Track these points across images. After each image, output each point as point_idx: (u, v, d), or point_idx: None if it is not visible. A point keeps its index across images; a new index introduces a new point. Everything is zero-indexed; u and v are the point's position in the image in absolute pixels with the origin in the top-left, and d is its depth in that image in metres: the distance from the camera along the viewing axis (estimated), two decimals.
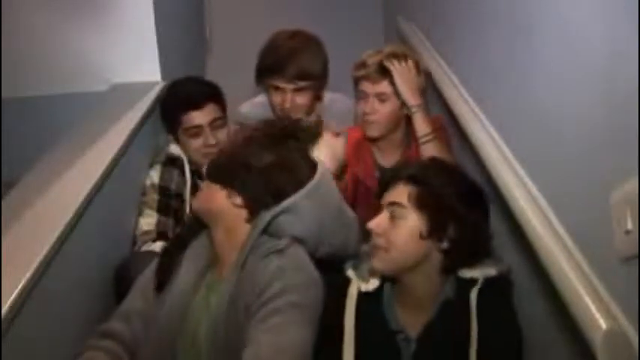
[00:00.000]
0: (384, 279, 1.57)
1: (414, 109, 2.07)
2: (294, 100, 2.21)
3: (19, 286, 1.26)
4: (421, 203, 1.50)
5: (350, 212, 1.66)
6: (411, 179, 1.53)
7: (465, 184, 1.58)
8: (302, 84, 2.20)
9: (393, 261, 1.51)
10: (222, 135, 2.13)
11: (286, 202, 1.49)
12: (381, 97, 2.08)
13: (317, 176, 1.55)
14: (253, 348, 1.32)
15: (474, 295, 1.47)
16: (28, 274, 1.30)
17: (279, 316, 1.36)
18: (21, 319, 1.27)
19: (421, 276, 1.52)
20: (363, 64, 2.10)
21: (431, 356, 1.49)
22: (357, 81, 2.13)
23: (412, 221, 1.50)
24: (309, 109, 2.28)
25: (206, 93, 2.14)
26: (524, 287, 1.56)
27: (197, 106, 2.10)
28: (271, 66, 2.20)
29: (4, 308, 1.21)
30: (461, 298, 1.49)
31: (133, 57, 2.34)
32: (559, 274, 1.27)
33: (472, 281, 1.50)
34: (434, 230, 1.49)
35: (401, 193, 1.52)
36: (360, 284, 1.57)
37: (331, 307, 1.53)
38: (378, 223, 1.52)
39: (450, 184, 1.53)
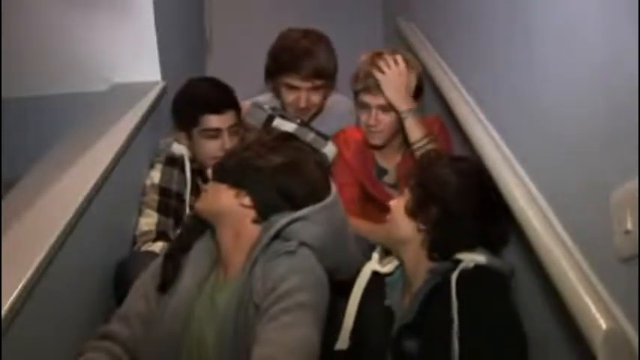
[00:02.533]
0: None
1: (404, 115, 2.04)
2: (309, 98, 2.22)
3: (19, 286, 1.26)
4: (412, 181, 1.64)
5: (352, 239, 1.69)
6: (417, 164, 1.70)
7: (465, 179, 1.60)
8: (318, 82, 2.21)
9: (387, 231, 1.67)
10: (235, 141, 2.09)
11: (306, 211, 1.51)
12: (384, 108, 2.05)
13: (333, 191, 1.60)
14: (262, 347, 1.32)
15: (453, 278, 1.47)
16: (28, 274, 1.30)
17: (287, 315, 1.37)
18: (21, 319, 1.27)
19: (409, 254, 1.61)
20: (359, 77, 2.08)
21: (412, 334, 1.51)
22: (356, 93, 2.11)
23: (405, 197, 1.64)
24: (320, 108, 2.28)
25: (229, 98, 2.12)
26: (524, 287, 1.56)
27: (218, 110, 2.07)
28: (287, 64, 2.19)
29: (4, 308, 1.20)
30: (446, 281, 1.49)
31: (132, 57, 2.34)
32: (559, 274, 1.27)
33: (459, 263, 1.51)
34: (415, 208, 1.60)
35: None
36: (375, 265, 1.69)
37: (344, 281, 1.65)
38: (394, 199, 1.71)
39: (446, 171, 1.61)
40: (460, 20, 2.12)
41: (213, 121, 2.07)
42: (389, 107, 2.05)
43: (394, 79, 2.04)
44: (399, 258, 1.66)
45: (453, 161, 1.68)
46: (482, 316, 1.43)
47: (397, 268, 1.68)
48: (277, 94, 2.30)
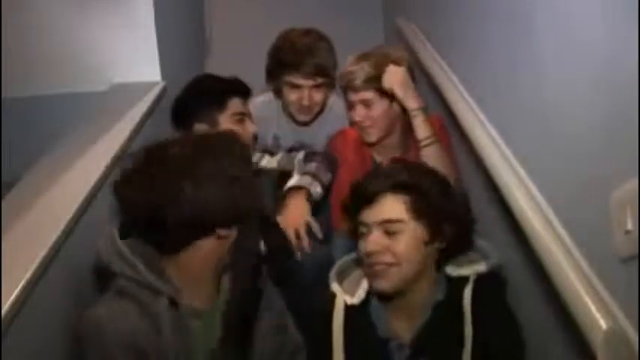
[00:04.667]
0: (379, 295, 1.53)
1: (414, 113, 2.06)
2: (311, 96, 2.21)
3: (19, 286, 1.26)
4: (419, 212, 1.46)
5: None
6: (400, 188, 1.48)
7: (442, 179, 1.57)
8: (320, 80, 2.21)
9: (403, 276, 1.47)
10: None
11: None
12: (366, 103, 2.08)
13: None
14: None
15: (467, 294, 1.46)
16: (28, 274, 1.30)
17: None
18: (21, 319, 1.27)
19: (424, 281, 1.51)
20: (344, 74, 2.10)
21: (420, 354, 1.49)
22: (343, 90, 2.15)
23: (413, 232, 1.46)
24: (323, 107, 2.28)
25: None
26: (523, 287, 1.56)
27: (246, 95, 2.08)
28: (288, 63, 2.19)
29: (4, 308, 1.20)
30: (453, 298, 1.48)
31: (132, 57, 2.34)
32: (559, 274, 1.27)
33: (463, 279, 1.49)
34: (434, 235, 1.48)
35: (394, 206, 1.47)
36: (346, 298, 1.53)
37: (319, 322, 1.53)
38: (377, 242, 1.46)
39: (434, 184, 1.52)
40: (460, 20, 2.12)
41: (240, 105, 2.06)
42: (370, 102, 2.07)
43: (403, 78, 2.05)
44: (402, 293, 1.50)
45: (427, 171, 1.58)
46: (499, 326, 1.44)
47: (367, 293, 1.54)
48: (279, 95, 2.30)
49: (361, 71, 2.06)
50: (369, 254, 1.47)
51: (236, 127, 2.02)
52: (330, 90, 2.30)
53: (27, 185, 1.69)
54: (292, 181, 2.00)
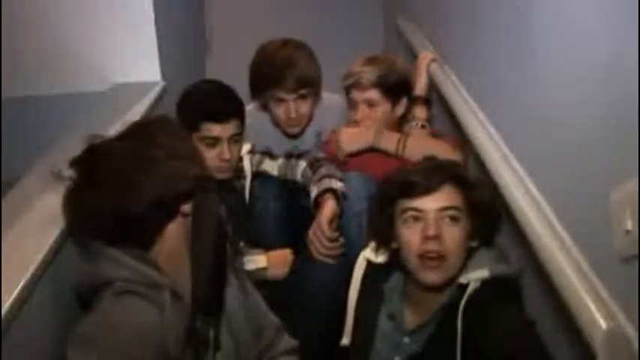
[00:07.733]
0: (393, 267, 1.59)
1: (419, 100, 2.18)
2: (297, 109, 2.19)
3: (19, 286, 1.26)
4: (473, 206, 1.49)
5: None
6: (457, 180, 1.51)
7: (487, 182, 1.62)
8: (303, 92, 2.18)
9: (451, 269, 1.46)
10: (237, 149, 2.00)
11: None
12: (370, 103, 2.12)
13: None
14: None
15: (463, 300, 1.43)
16: (28, 274, 1.30)
17: None
18: (21, 319, 1.27)
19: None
20: (351, 74, 2.14)
21: (421, 355, 1.48)
22: (347, 90, 2.17)
23: (465, 224, 1.48)
24: (310, 116, 2.27)
25: (232, 109, 1.99)
26: (523, 287, 1.56)
27: (220, 120, 1.95)
28: (269, 79, 2.16)
29: (4, 308, 1.20)
30: (455, 303, 1.45)
31: (133, 57, 2.35)
32: (559, 274, 1.27)
33: (467, 285, 1.46)
34: (476, 231, 1.50)
35: (454, 195, 1.49)
36: (369, 253, 1.62)
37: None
38: (437, 227, 1.45)
39: (483, 184, 1.58)
40: (460, 20, 2.12)
41: (214, 129, 1.94)
42: (374, 102, 2.12)
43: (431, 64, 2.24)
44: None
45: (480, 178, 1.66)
46: (488, 336, 1.37)
47: (391, 268, 1.58)
48: (265, 109, 2.27)
49: (370, 72, 2.10)
50: (427, 238, 1.45)
51: (204, 151, 1.91)
52: (317, 98, 2.26)
53: (27, 185, 1.69)
54: (313, 194, 1.98)
